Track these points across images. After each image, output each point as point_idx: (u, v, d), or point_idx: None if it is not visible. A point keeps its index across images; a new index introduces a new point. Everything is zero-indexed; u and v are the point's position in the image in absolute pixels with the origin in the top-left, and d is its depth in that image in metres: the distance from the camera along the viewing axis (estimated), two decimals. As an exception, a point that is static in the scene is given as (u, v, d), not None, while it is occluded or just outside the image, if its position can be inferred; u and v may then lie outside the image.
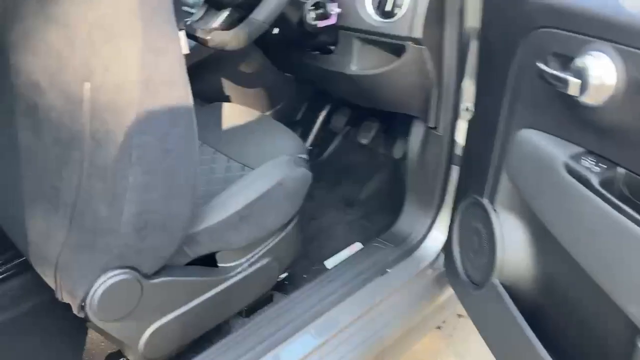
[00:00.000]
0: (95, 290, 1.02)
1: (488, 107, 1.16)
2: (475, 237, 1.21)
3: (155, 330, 1.13)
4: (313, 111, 1.98)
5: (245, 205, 1.18)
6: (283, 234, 1.31)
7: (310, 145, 1.95)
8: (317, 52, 1.47)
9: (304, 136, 1.95)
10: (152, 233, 1.03)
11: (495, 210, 1.13)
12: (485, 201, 1.16)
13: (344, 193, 1.85)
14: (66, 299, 1.07)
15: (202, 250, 1.17)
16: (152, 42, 0.90)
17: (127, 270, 1.04)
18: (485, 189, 1.16)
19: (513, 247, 1.11)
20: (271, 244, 1.29)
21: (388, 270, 1.42)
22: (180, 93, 0.98)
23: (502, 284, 1.13)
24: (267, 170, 1.25)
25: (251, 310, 1.37)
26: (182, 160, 1.03)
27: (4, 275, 1.40)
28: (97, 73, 0.91)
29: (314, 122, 1.97)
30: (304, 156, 1.36)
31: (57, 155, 1.01)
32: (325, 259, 1.58)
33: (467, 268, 1.25)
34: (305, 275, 1.52)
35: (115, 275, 1.03)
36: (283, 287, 1.47)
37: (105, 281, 1.02)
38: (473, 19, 1.21)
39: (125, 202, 0.98)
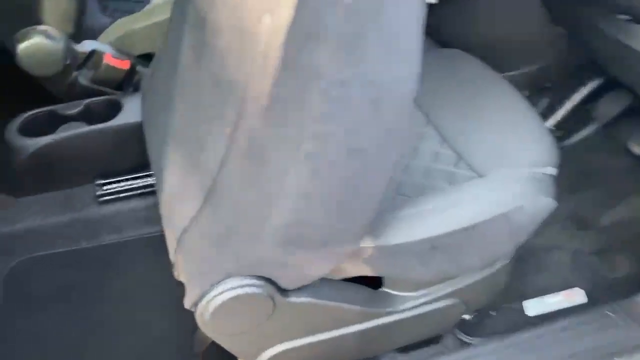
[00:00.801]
0: (214, 297, 0.75)
1: None
2: None
3: (280, 353, 0.86)
4: (573, 80, 1.45)
5: (446, 233, 0.80)
6: (485, 274, 0.92)
7: (554, 126, 1.45)
8: (626, 18, 0.96)
9: (548, 110, 1.45)
10: (304, 250, 0.71)
11: None
12: None
13: (578, 207, 1.35)
14: (182, 279, 0.82)
15: (367, 270, 0.83)
16: None
17: (260, 282, 0.75)
18: None
19: None
20: (464, 283, 0.91)
21: (617, 359, 0.97)
22: (400, 67, 0.60)
23: None
24: (495, 190, 0.84)
25: (410, 346, 1.03)
26: (373, 167, 0.67)
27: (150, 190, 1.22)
28: (283, 5, 0.56)
29: (567, 96, 1.44)
30: (552, 172, 0.91)
31: (211, 101, 0.70)
32: (527, 297, 1.16)
33: None
34: (493, 313, 1.13)
35: (243, 285, 0.74)
36: (458, 323, 1.09)
37: (228, 290, 0.74)
38: None
39: (275, 206, 0.66)
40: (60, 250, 1.20)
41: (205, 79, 0.72)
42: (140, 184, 1.23)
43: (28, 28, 1.16)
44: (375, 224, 0.79)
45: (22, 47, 1.14)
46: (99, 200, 1.21)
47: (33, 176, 1.21)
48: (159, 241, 1.08)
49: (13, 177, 1.22)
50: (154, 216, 1.22)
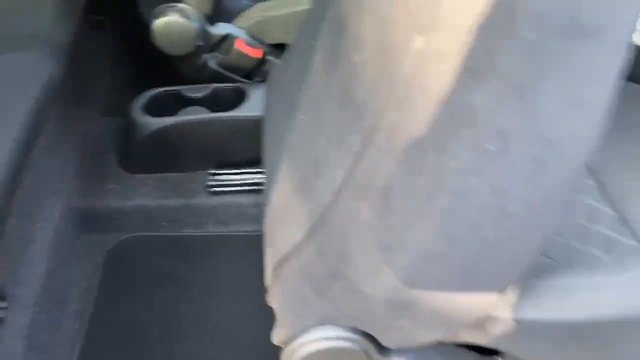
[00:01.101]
0: (303, 344, 0.65)
1: None
2: None
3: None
4: None
5: (597, 320, 0.64)
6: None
7: None
8: None
9: None
10: (415, 315, 0.60)
11: None
12: None
13: None
14: (274, 307, 0.73)
15: (487, 342, 0.70)
16: None
17: (358, 337, 0.64)
18: None
19: None
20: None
21: None
22: (580, 122, 0.46)
23: None
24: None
25: None
26: (520, 234, 0.54)
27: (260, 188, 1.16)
28: (442, 28, 0.44)
29: None
30: None
31: (336, 121, 0.60)
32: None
33: None
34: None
35: (339, 338, 0.64)
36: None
37: (321, 339, 0.65)
38: None
39: (390, 262, 0.55)
40: (164, 233, 1.18)
41: (334, 93, 0.62)
42: (252, 180, 1.17)
43: (166, 5, 1.13)
44: (508, 291, 0.65)
45: (157, 23, 1.11)
46: (208, 190, 1.17)
47: (150, 155, 1.19)
48: (262, 242, 1.01)
49: (131, 154, 1.21)
50: (261, 215, 1.15)
